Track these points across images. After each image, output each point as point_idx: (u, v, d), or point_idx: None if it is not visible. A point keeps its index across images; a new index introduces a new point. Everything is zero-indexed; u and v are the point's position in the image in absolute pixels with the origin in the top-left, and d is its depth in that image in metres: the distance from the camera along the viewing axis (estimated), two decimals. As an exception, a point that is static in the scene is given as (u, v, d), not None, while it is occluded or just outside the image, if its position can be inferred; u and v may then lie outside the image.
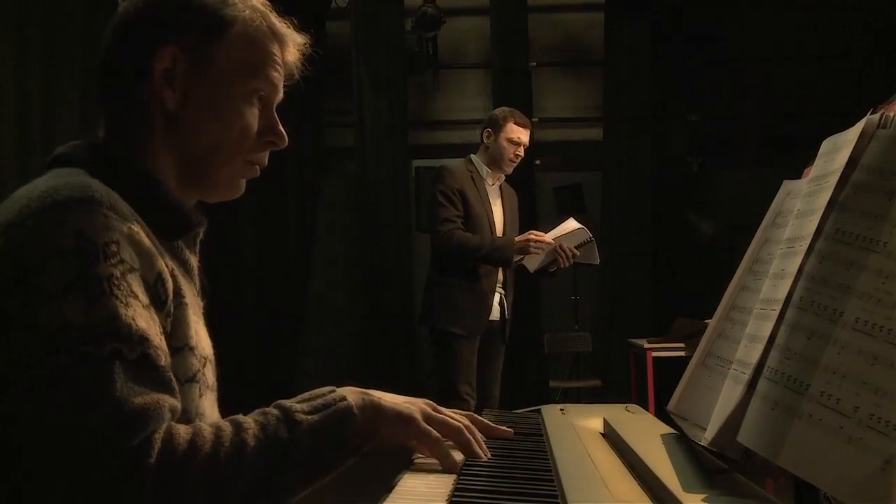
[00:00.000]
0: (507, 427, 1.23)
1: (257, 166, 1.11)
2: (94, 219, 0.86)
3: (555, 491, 0.94)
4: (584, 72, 7.25)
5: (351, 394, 0.98)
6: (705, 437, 0.99)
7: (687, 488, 0.88)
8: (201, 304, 1.09)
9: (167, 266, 0.96)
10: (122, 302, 0.84)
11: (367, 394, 1.00)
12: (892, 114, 0.89)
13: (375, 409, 0.98)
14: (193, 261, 1.10)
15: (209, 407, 1.04)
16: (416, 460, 1.09)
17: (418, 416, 1.02)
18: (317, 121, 6.85)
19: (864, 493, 0.71)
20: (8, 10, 3.83)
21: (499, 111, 3.83)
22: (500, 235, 3.75)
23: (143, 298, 0.88)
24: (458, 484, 0.96)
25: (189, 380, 0.97)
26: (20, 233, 0.85)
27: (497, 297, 3.74)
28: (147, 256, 0.91)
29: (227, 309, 5.73)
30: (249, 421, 0.90)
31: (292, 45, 1.12)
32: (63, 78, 4.11)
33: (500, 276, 3.75)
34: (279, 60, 1.10)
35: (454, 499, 0.91)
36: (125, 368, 0.81)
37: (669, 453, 1.05)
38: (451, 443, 1.07)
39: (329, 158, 7.01)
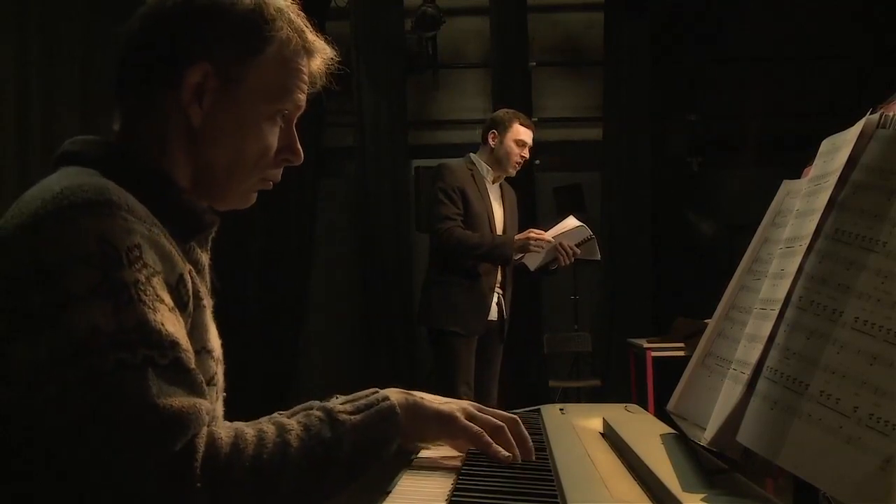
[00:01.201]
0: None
1: (271, 182, 1.11)
2: (115, 222, 0.85)
3: (554, 491, 0.94)
4: (584, 71, 7.25)
5: (394, 394, 0.99)
6: (705, 437, 0.99)
7: (686, 488, 0.88)
8: (211, 303, 1.09)
9: (185, 266, 0.95)
10: (149, 307, 0.83)
11: (410, 394, 1.01)
12: (891, 114, 0.90)
13: (417, 408, 1.00)
14: (205, 259, 1.09)
15: (220, 409, 1.05)
16: (416, 460, 1.09)
17: (459, 415, 1.04)
18: (317, 121, 6.85)
19: (864, 492, 0.71)
20: (7, 9, 3.83)
21: (502, 112, 3.83)
22: (500, 233, 3.75)
23: (168, 302, 0.88)
24: (458, 484, 0.96)
25: (207, 383, 0.96)
26: (38, 235, 0.84)
27: (495, 297, 3.75)
28: (168, 259, 0.90)
29: (226, 308, 5.73)
30: (292, 422, 0.90)
31: (321, 58, 1.11)
32: (63, 78, 4.10)
33: (499, 276, 3.75)
34: (307, 77, 1.09)
35: (454, 498, 0.91)
36: (158, 374, 0.81)
37: (669, 453, 1.05)
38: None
39: (329, 158, 7.01)
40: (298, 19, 1.07)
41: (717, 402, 1.01)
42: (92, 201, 0.86)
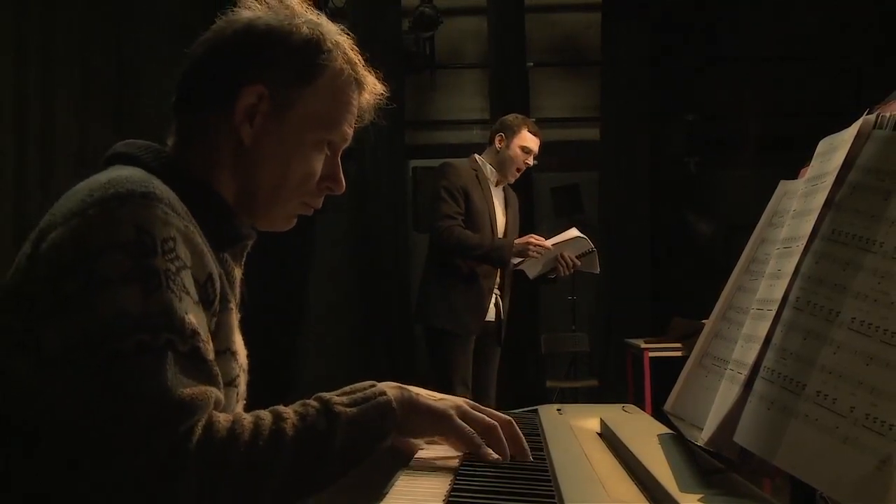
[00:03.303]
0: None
1: (312, 208, 1.14)
2: (154, 213, 0.89)
3: (551, 491, 0.94)
4: (582, 72, 7.26)
5: (390, 388, 1.00)
6: (702, 437, 1.00)
7: (684, 488, 0.88)
8: (239, 315, 1.11)
9: (216, 268, 0.98)
10: (176, 296, 0.87)
11: (406, 389, 1.02)
12: (888, 114, 0.90)
13: (412, 404, 1.00)
14: (237, 273, 1.13)
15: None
16: (413, 461, 1.09)
17: (452, 413, 1.04)
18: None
19: (861, 492, 0.71)
20: (5, 12, 3.82)
21: (511, 117, 3.82)
22: (501, 236, 3.75)
23: (194, 295, 0.91)
24: (455, 484, 0.96)
25: (228, 384, 1.00)
26: (83, 221, 0.88)
27: (493, 299, 3.74)
28: (199, 255, 0.94)
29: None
30: (289, 411, 0.91)
31: (370, 93, 1.15)
32: (61, 80, 4.10)
33: (498, 279, 3.75)
34: (355, 111, 1.13)
35: (451, 499, 0.91)
36: (176, 359, 0.84)
37: (666, 453, 1.05)
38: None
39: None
40: (352, 53, 1.12)
41: (714, 402, 1.01)
42: (135, 192, 0.90)
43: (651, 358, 4.77)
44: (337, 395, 0.96)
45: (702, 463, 1.01)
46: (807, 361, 0.84)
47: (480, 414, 1.08)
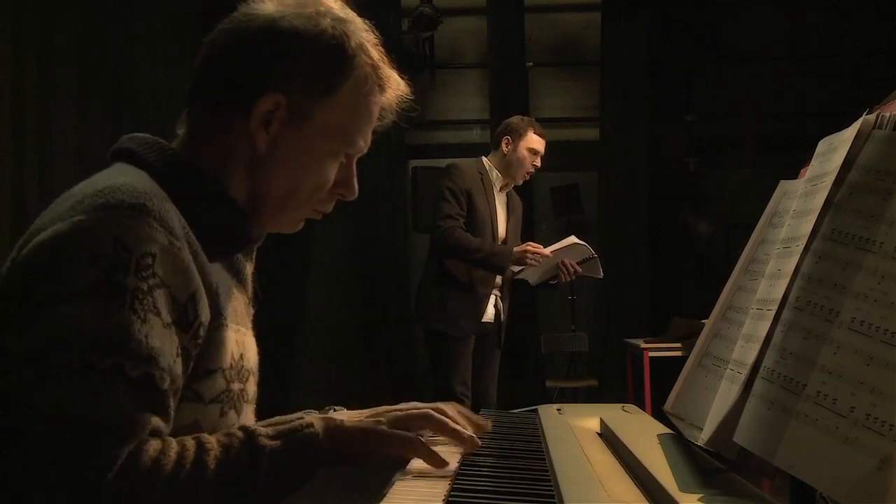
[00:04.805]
0: (505, 427, 1.23)
1: (322, 213, 1.12)
2: (138, 227, 0.87)
3: (551, 491, 0.94)
4: (581, 72, 7.26)
5: (317, 420, 0.96)
6: (702, 437, 1.00)
7: (683, 488, 0.88)
8: (251, 311, 1.09)
9: (211, 285, 0.95)
10: (139, 317, 0.84)
11: (331, 418, 0.98)
12: (888, 114, 0.90)
13: (341, 430, 0.96)
14: (249, 269, 1.11)
15: (250, 420, 1.05)
16: (413, 461, 1.09)
17: (381, 427, 1.00)
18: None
19: (860, 492, 0.71)
20: (3, 8, 3.82)
21: (517, 119, 3.82)
22: (502, 241, 3.75)
23: (166, 317, 0.88)
24: (455, 484, 0.96)
25: (213, 400, 0.97)
26: (66, 228, 0.86)
27: (493, 300, 3.74)
28: (183, 274, 0.90)
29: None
30: (213, 441, 0.88)
31: (393, 93, 1.11)
32: (59, 78, 4.10)
33: (498, 280, 3.75)
34: (376, 117, 1.09)
35: (451, 499, 0.91)
36: (123, 383, 0.82)
37: (666, 453, 1.05)
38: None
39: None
40: (376, 52, 1.08)
41: (713, 402, 1.01)
42: (124, 203, 0.87)
43: (651, 358, 4.77)
44: (263, 427, 0.93)
45: (702, 463, 1.01)
46: (807, 361, 0.83)
47: (406, 411, 1.06)
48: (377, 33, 1.10)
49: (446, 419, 1.07)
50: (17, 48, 3.86)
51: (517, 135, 3.71)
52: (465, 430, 1.07)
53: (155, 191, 0.92)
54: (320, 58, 1.02)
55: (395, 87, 1.11)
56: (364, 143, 1.09)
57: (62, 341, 0.81)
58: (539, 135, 3.74)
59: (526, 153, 3.70)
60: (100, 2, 4.35)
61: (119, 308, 0.83)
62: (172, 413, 0.88)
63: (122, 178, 0.93)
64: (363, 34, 1.07)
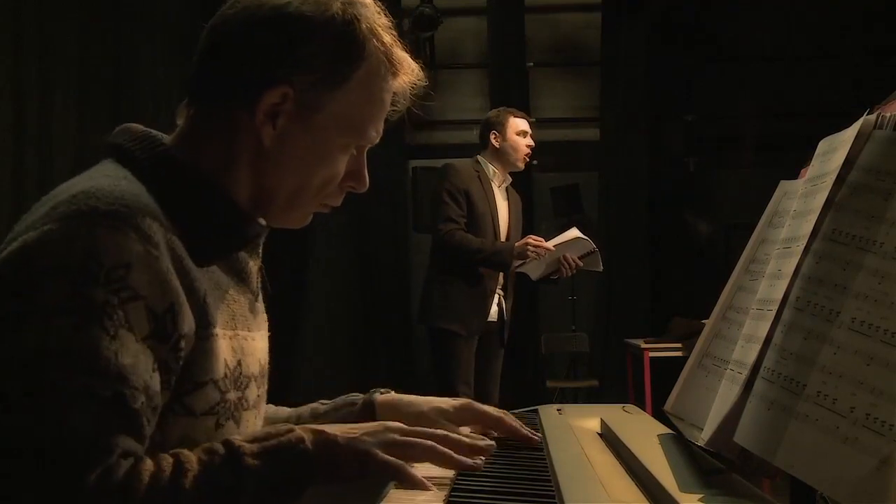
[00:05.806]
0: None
1: (331, 207, 1.07)
2: (111, 237, 0.82)
3: (552, 491, 0.94)
4: (581, 72, 7.26)
5: (307, 433, 0.90)
6: (702, 438, 1.00)
7: (684, 488, 0.88)
8: (260, 309, 1.05)
9: (198, 292, 0.90)
10: (108, 334, 0.80)
11: (323, 431, 0.92)
12: (888, 114, 0.90)
13: (333, 445, 0.91)
14: (253, 266, 1.05)
15: (252, 425, 1.00)
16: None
17: (374, 449, 0.93)
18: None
19: (861, 492, 0.71)
20: (2, 8, 3.82)
21: (494, 112, 3.88)
22: (504, 237, 3.76)
23: (141, 330, 0.83)
24: (455, 484, 0.96)
25: (206, 413, 0.91)
26: (35, 238, 0.82)
27: (496, 299, 3.75)
28: (161, 284, 0.84)
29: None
30: (193, 460, 0.83)
31: (406, 78, 1.07)
32: (59, 77, 4.10)
33: (501, 279, 3.76)
34: (388, 106, 1.05)
35: (451, 499, 0.91)
36: (93, 404, 0.78)
37: (666, 453, 1.05)
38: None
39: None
40: (388, 35, 1.02)
41: (714, 402, 1.01)
42: (97, 210, 0.83)
43: (651, 358, 4.77)
44: (248, 443, 0.87)
45: (702, 463, 1.01)
46: (807, 361, 0.83)
47: (409, 439, 0.97)
48: (389, 15, 1.04)
49: (449, 452, 0.99)
50: (17, 48, 3.86)
51: (500, 126, 3.76)
52: (466, 460, 0.99)
53: (134, 194, 0.87)
54: (330, 46, 0.96)
55: (409, 70, 1.06)
56: (376, 134, 1.04)
57: (29, 359, 0.77)
58: (520, 117, 3.81)
59: (516, 137, 3.75)
60: (100, 2, 4.36)
61: (87, 324, 0.79)
62: (148, 431, 0.83)
63: (100, 180, 0.87)
64: (374, 17, 1.00)
